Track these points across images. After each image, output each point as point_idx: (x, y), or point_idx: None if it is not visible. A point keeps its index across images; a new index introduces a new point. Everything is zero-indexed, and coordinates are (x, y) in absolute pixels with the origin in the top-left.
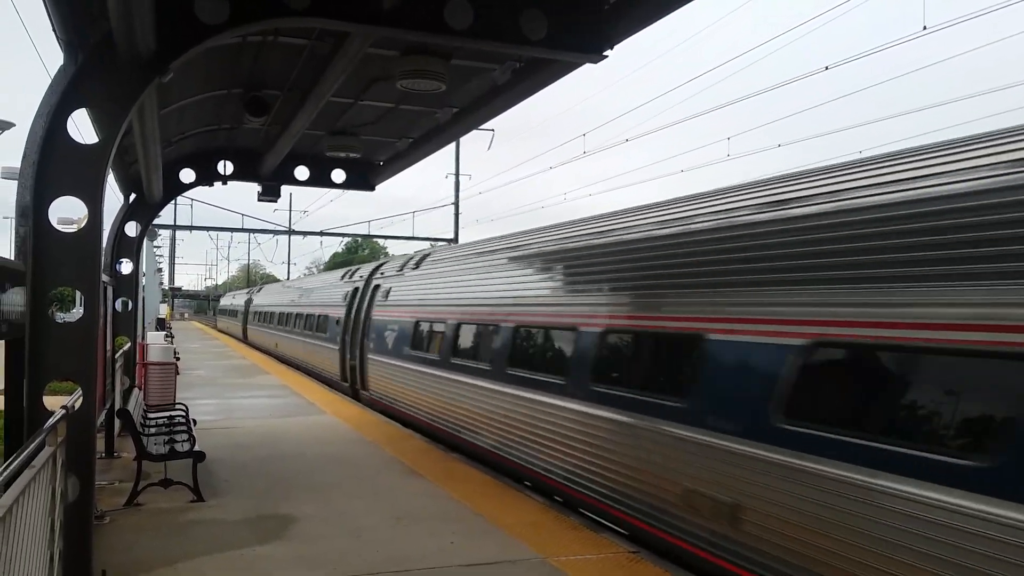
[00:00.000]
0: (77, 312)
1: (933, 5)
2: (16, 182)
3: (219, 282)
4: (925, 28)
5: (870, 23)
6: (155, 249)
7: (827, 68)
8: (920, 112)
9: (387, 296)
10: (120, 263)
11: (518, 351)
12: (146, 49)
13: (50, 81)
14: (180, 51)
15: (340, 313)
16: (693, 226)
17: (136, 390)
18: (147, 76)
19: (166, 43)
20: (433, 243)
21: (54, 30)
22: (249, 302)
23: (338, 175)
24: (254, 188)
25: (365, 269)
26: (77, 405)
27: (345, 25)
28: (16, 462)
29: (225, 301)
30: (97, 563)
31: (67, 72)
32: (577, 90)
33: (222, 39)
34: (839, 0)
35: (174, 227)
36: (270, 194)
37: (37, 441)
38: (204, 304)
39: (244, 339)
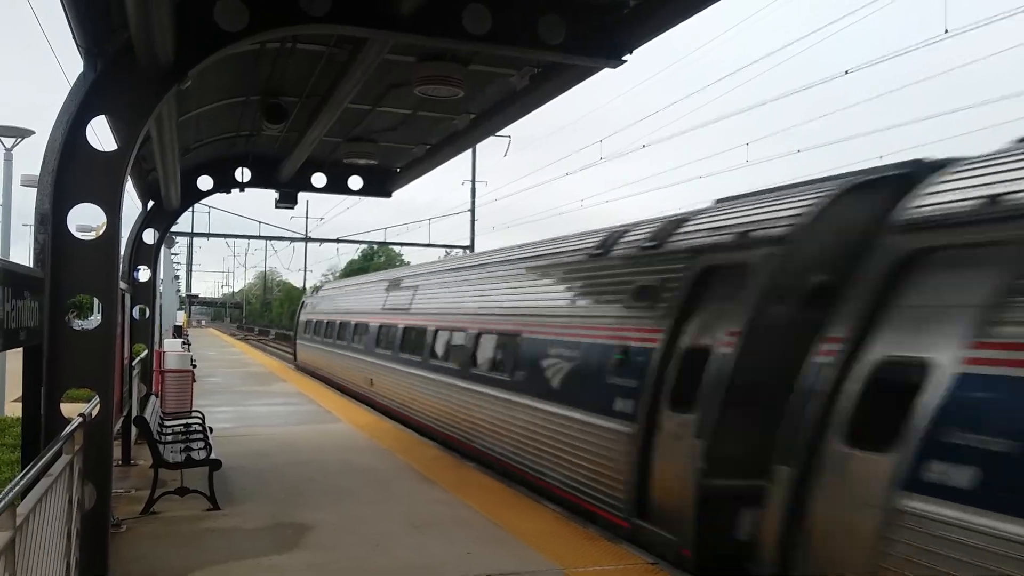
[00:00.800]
0: (95, 319)
1: (955, 8)
2: (35, 190)
3: (235, 289)
4: (947, 31)
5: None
6: (172, 256)
7: (847, 72)
8: (941, 117)
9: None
10: (138, 270)
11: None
12: (165, 57)
13: (69, 89)
14: (199, 59)
15: None
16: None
17: (153, 397)
18: (166, 84)
19: (185, 51)
20: (449, 250)
21: (74, 38)
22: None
23: (355, 182)
24: (271, 195)
25: None
26: (94, 413)
27: (363, 31)
28: (33, 470)
29: (331, 304)
30: (113, 572)
31: (86, 80)
32: (594, 95)
33: (241, 46)
34: (859, 4)
35: (191, 234)
36: (287, 201)
37: (55, 449)
38: (220, 311)
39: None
